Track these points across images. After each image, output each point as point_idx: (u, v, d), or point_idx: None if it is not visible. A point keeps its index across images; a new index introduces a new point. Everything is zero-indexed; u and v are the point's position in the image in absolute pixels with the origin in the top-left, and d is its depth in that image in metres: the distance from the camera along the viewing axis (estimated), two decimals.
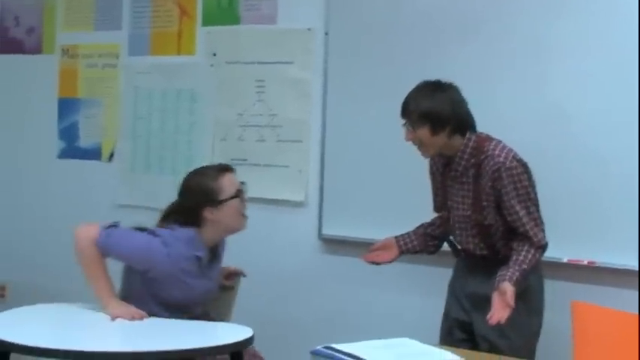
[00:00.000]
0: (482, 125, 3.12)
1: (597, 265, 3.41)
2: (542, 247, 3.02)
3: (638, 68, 3.30)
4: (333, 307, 4.03)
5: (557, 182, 3.36)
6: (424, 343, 2.53)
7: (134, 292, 3.07)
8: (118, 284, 3.13)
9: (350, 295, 4.00)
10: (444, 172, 3.16)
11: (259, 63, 4.23)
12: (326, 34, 4.03)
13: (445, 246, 3.33)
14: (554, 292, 3.23)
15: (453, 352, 2.51)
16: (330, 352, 2.32)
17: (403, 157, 3.60)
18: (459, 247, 3.22)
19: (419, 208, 3.36)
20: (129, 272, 3.11)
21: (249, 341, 2.88)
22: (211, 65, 4.37)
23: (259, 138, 4.23)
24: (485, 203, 3.03)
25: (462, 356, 2.43)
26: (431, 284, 3.57)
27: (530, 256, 2.98)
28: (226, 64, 4.34)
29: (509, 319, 2.90)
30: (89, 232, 3.00)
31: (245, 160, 4.20)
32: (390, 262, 3.34)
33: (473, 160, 3.04)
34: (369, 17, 3.90)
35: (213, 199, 3.08)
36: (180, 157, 4.46)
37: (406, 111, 3.05)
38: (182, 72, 4.46)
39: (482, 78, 3.52)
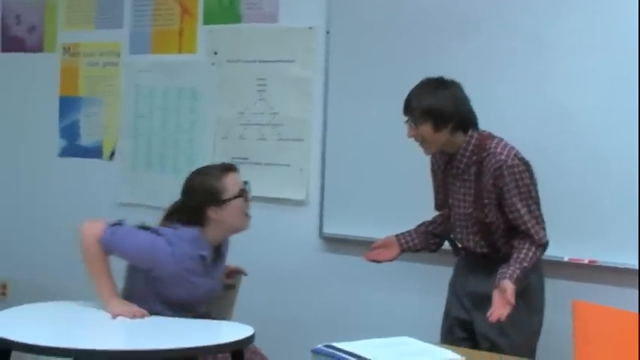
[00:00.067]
0: (484, 124, 3.12)
1: (598, 263, 3.41)
2: (543, 246, 3.03)
3: (639, 67, 3.30)
4: (334, 305, 4.04)
5: (558, 181, 3.36)
6: (425, 341, 2.53)
7: (137, 291, 3.07)
8: (121, 283, 3.13)
9: (351, 293, 4.00)
10: (445, 170, 3.16)
11: (260, 61, 4.23)
12: (327, 32, 4.03)
13: (446, 244, 3.33)
14: (555, 291, 3.23)
15: (453, 350, 2.51)
16: (330, 350, 2.32)
17: (404, 155, 3.60)
18: (460, 245, 3.22)
19: (420, 207, 3.36)
20: (132, 271, 3.11)
21: (250, 340, 2.88)
22: (212, 64, 4.37)
23: (260, 136, 4.23)
24: (486, 201, 3.04)
25: (462, 355, 2.43)
26: (431, 283, 3.57)
27: (531, 254, 2.98)
28: (227, 62, 4.34)
29: (510, 318, 2.90)
30: (94, 228, 3.01)
31: (246, 158, 4.20)
32: (391, 260, 3.34)
33: (475, 158, 3.05)
34: (371, 16, 3.90)
35: (216, 199, 3.08)
36: (182, 156, 4.46)
37: (409, 108, 3.05)
38: (183, 70, 4.46)
39: (483, 76, 3.52)
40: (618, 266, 3.37)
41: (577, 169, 3.43)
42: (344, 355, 2.29)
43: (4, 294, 5.02)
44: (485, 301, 2.95)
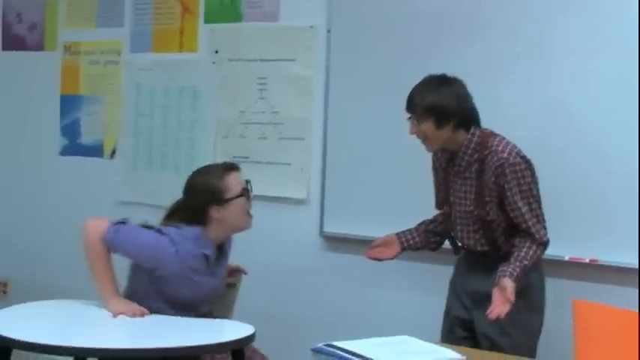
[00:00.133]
0: (486, 123, 3.12)
1: (599, 263, 3.41)
2: (544, 244, 3.03)
3: (639, 67, 3.30)
4: (334, 304, 4.03)
5: (559, 180, 3.36)
6: (425, 340, 2.52)
7: (140, 290, 3.07)
8: (124, 281, 3.13)
9: (351, 292, 4.00)
10: (446, 168, 3.16)
11: (261, 60, 4.23)
12: (328, 31, 4.03)
13: (446, 243, 3.33)
14: (556, 290, 3.23)
15: (454, 349, 2.51)
16: (331, 349, 2.32)
17: (405, 154, 3.61)
18: (460, 243, 3.22)
19: (420, 206, 3.36)
20: (136, 269, 3.11)
21: (250, 338, 2.88)
22: (213, 62, 4.37)
23: (261, 135, 4.23)
24: (487, 199, 3.03)
25: (463, 354, 2.43)
26: (432, 282, 3.57)
27: (531, 252, 2.98)
28: (228, 61, 4.34)
29: (511, 317, 2.91)
30: (98, 226, 3.01)
31: (247, 157, 4.20)
32: (392, 258, 3.34)
33: (476, 156, 3.05)
34: (372, 15, 3.90)
35: (219, 198, 3.08)
36: (182, 155, 4.46)
37: (411, 104, 3.06)
38: (184, 69, 4.46)
39: (485, 76, 3.52)
40: (619, 265, 3.36)
41: (578, 168, 3.42)
42: (344, 354, 2.29)
43: (4, 292, 5.02)
44: (485, 300, 2.95)
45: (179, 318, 3.03)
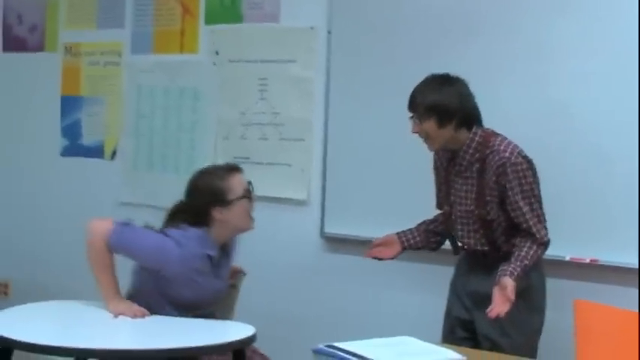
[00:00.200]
0: (486, 123, 3.13)
1: (600, 263, 3.41)
2: (545, 244, 3.03)
3: (639, 67, 3.31)
4: (335, 305, 4.04)
5: (560, 180, 3.36)
6: (426, 341, 2.53)
7: (144, 291, 3.07)
8: (127, 282, 3.13)
9: (352, 293, 4.00)
10: (447, 167, 3.16)
11: (262, 61, 4.24)
12: (329, 32, 4.03)
13: (446, 244, 3.33)
14: (557, 291, 3.23)
15: (454, 350, 2.51)
16: (331, 350, 2.32)
17: (406, 155, 3.61)
18: (460, 243, 3.22)
19: (421, 207, 3.36)
20: (139, 270, 3.11)
21: (251, 339, 2.88)
22: (214, 64, 4.38)
23: (262, 136, 4.23)
24: (488, 198, 3.04)
25: (463, 355, 2.43)
26: (433, 282, 3.57)
27: (532, 252, 2.98)
28: (229, 62, 4.34)
29: (511, 317, 2.91)
30: (102, 227, 3.00)
31: (247, 158, 4.20)
32: (392, 258, 3.34)
33: (478, 155, 3.05)
34: (372, 16, 3.90)
35: (222, 199, 3.08)
36: (183, 156, 4.47)
37: (413, 103, 3.06)
38: (185, 70, 4.46)
39: (485, 77, 3.51)
40: (620, 265, 3.36)
41: (579, 168, 3.43)
42: (345, 355, 2.29)
43: (5, 293, 5.02)
44: (486, 301, 2.95)
45: (180, 319, 3.03)
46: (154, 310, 3.03)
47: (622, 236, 3.34)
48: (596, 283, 3.40)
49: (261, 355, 3.21)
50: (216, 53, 4.37)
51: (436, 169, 3.25)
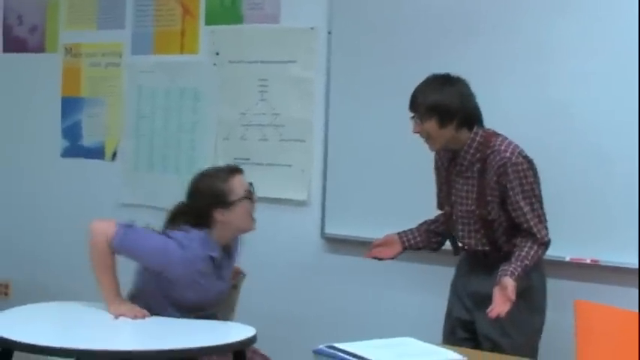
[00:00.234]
0: (486, 123, 3.12)
1: (600, 263, 3.41)
2: (546, 244, 3.03)
3: (639, 67, 3.31)
4: (335, 306, 4.03)
5: (560, 181, 3.36)
6: (427, 342, 2.53)
7: (146, 292, 3.08)
8: (129, 282, 3.12)
9: (353, 294, 4.00)
10: (448, 167, 3.17)
11: (262, 62, 4.24)
12: (329, 33, 4.03)
13: (447, 244, 3.33)
14: (557, 291, 3.23)
15: (455, 351, 2.51)
16: (332, 351, 2.32)
17: (406, 156, 3.61)
18: (461, 243, 3.22)
19: (421, 208, 3.36)
20: (142, 272, 3.10)
21: (252, 340, 2.88)
22: (214, 64, 4.38)
23: (262, 137, 4.23)
24: (489, 198, 3.04)
25: (464, 355, 2.43)
26: (433, 283, 3.57)
27: (532, 252, 2.98)
28: (229, 63, 4.34)
29: (512, 318, 2.91)
30: (106, 228, 3.00)
31: (248, 159, 4.20)
32: (393, 258, 3.34)
33: (478, 155, 3.05)
34: (372, 16, 3.90)
35: (223, 201, 3.08)
36: (183, 156, 4.47)
37: (414, 103, 3.06)
38: (185, 71, 4.46)
39: (485, 77, 3.51)
40: (620, 266, 3.36)
41: (579, 168, 3.42)
42: (346, 356, 2.29)
43: (6, 294, 5.02)
44: (486, 302, 2.94)
45: (180, 320, 3.03)
46: (155, 311, 3.04)
47: (622, 236, 3.34)
48: (597, 284, 3.40)
49: (262, 355, 3.21)
50: (217, 54, 4.37)
51: (437, 169, 3.25)
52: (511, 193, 3.00)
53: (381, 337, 2.50)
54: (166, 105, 4.53)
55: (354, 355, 2.28)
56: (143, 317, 3.00)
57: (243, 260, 3.39)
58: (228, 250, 3.20)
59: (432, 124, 3.03)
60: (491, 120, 3.13)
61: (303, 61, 4.12)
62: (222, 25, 4.37)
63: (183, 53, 4.50)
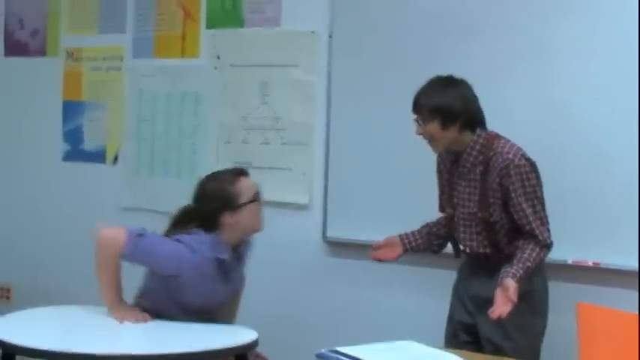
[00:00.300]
0: (488, 124, 3.12)
1: (602, 266, 3.41)
2: (548, 246, 3.03)
3: (639, 68, 3.31)
4: (337, 309, 4.03)
5: (561, 182, 3.36)
6: (429, 345, 2.53)
7: (154, 295, 3.07)
8: (131, 283, 3.12)
9: (355, 297, 3.99)
10: (451, 170, 3.16)
11: (263, 66, 4.24)
12: (330, 36, 4.03)
13: (448, 247, 3.33)
14: (560, 294, 3.22)
15: (457, 354, 2.50)
16: (335, 355, 2.32)
17: (408, 159, 3.61)
18: (462, 246, 3.22)
19: (423, 211, 3.35)
20: (150, 274, 3.09)
21: (254, 344, 2.88)
22: (215, 68, 4.38)
23: (263, 141, 4.23)
24: (491, 200, 3.04)
25: (466, 358, 2.43)
26: (435, 286, 3.56)
27: (534, 254, 2.98)
28: (230, 66, 4.34)
29: (514, 321, 2.91)
30: (116, 239, 2.94)
31: (249, 162, 4.19)
32: (394, 259, 3.34)
33: (481, 157, 3.05)
34: (373, 19, 3.90)
35: (232, 204, 3.07)
36: (185, 160, 4.46)
37: (417, 105, 3.06)
38: (186, 75, 4.46)
39: (486, 78, 3.50)
40: (622, 268, 3.36)
41: (581, 170, 3.42)
42: None
43: (7, 298, 5.02)
44: (488, 305, 2.94)
45: (183, 323, 3.03)
46: (162, 312, 3.03)
47: (624, 239, 3.34)
48: (599, 287, 3.39)
49: (264, 358, 3.20)
50: (218, 57, 4.37)
51: (439, 171, 3.25)
52: (513, 195, 3.00)
53: (383, 341, 2.50)
54: (167, 109, 4.53)
55: (357, 359, 2.28)
56: (145, 321, 2.99)
57: None
58: (239, 252, 3.19)
59: (434, 126, 3.03)
60: (492, 120, 3.13)
61: (304, 65, 4.12)
62: (223, 29, 4.37)
63: (185, 57, 4.50)
